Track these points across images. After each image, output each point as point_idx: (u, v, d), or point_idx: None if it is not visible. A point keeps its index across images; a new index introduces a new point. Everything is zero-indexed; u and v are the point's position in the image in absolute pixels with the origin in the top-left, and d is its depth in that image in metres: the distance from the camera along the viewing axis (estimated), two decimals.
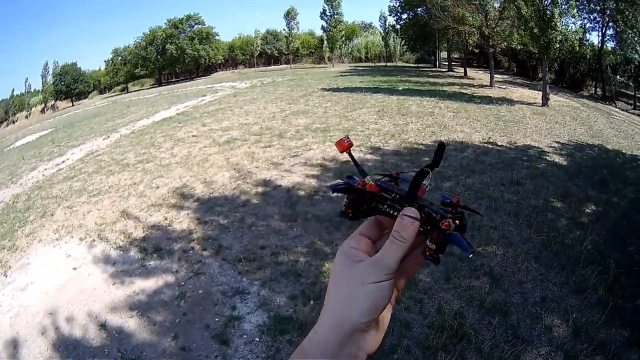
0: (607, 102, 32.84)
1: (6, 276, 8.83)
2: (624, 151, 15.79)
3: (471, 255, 0.73)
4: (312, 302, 6.80)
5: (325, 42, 71.13)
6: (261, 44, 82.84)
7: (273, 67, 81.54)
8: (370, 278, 0.74)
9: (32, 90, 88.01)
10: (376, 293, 0.73)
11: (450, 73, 44.56)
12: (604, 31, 36.01)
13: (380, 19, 65.82)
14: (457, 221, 0.74)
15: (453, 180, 11.29)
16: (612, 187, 11.49)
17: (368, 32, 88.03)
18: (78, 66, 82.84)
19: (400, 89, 29.66)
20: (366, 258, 0.79)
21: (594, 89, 38.61)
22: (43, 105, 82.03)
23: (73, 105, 74.35)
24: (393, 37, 65.74)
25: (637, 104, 33.24)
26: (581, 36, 33.52)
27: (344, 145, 0.87)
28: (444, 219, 0.73)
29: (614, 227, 9.18)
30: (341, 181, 0.89)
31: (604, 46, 36.62)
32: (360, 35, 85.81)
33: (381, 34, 69.86)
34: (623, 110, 30.72)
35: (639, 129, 21.69)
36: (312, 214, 9.82)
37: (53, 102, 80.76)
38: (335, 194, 0.87)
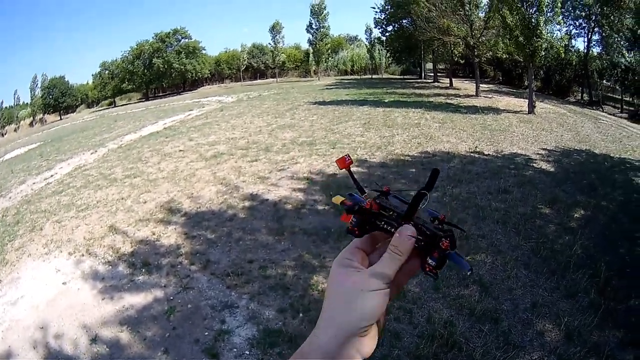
0: (594, 107, 33.20)
1: None
2: (611, 155, 15.92)
3: (469, 272, 0.82)
4: (301, 314, 6.78)
5: (311, 55, 71.44)
6: (247, 58, 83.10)
7: (259, 80, 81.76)
8: (371, 286, 0.79)
9: (20, 103, 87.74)
10: (375, 300, 0.79)
11: (436, 84, 44.87)
12: (589, 37, 36.61)
13: (366, 31, 66.54)
14: (448, 239, 0.80)
15: (440, 190, 11.31)
16: (601, 191, 11.58)
17: (354, 44, 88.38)
18: (66, 80, 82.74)
19: (386, 101, 29.85)
20: (363, 269, 0.84)
21: (580, 94, 39.06)
22: (32, 118, 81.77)
23: (61, 119, 74.20)
24: (378, 50, 66.23)
25: (624, 107, 33.55)
26: (567, 43, 33.90)
27: (345, 163, 0.93)
28: (442, 239, 0.80)
29: (604, 230, 9.25)
30: (348, 201, 0.91)
31: (590, 51, 37.01)
32: (346, 48, 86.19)
33: (367, 46, 70.33)
34: (610, 114, 31.08)
35: (627, 132, 21.87)
36: (299, 227, 9.82)
37: (41, 115, 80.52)
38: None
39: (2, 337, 7.16)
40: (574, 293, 6.94)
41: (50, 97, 78.11)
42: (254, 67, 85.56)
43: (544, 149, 15.89)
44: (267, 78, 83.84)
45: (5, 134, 77.56)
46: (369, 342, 0.81)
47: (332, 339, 0.78)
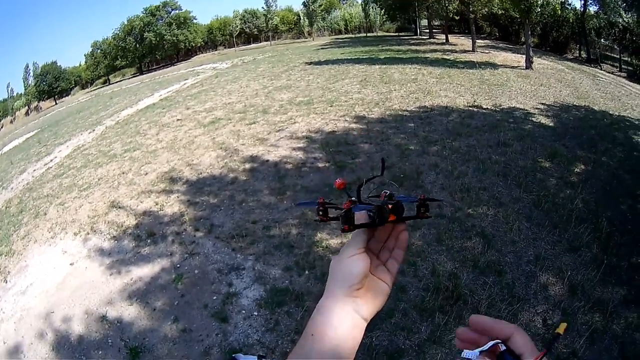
0: (592, 65, 32.85)
1: (6, 282, 8.76)
2: (611, 112, 15.80)
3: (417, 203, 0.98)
4: (306, 272, 6.85)
5: (302, 17, 71.43)
6: (240, 24, 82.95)
7: (253, 45, 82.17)
8: (346, 254, 0.93)
9: (15, 94, 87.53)
10: (352, 264, 0.91)
11: (432, 40, 44.31)
12: None
13: None
14: (390, 205, 0.96)
15: (439, 144, 11.33)
16: (601, 147, 11.52)
17: (346, 3, 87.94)
18: (58, 64, 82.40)
19: (382, 57, 29.64)
20: None
21: (578, 52, 38.59)
22: (27, 107, 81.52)
23: (56, 104, 73.92)
24: (372, 7, 65.83)
25: (623, 66, 33.24)
26: (563, 0, 33.49)
27: (339, 183, 1.03)
28: (387, 205, 0.96)
29: (604, 186, 9.24)
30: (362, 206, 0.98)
31: (587, 10, 36.53)
32: (339, 7, 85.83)
33: (361, 4, 69.94)
34: (608, 72, 30.73)
35: (626, 91, 21.78)
36: (300, 185, 9.87)
37: (36, 103, 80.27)
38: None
39: (14, 329, 7.14)
40: (577, 247, 6.97)
41: (44, 83, 77.99)
42: (247, 32, 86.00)
43: (542, 104, 15.81)
44: (260, 42, 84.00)
45: (1, 127, 77.45)
46: (366, 306, 0.92)
47: (331, 301, 0.90)
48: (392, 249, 1.00)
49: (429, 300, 5.89)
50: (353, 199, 0.98)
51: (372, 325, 5.53)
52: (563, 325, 0.79)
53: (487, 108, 14.93)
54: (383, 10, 58.17)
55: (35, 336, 6.79)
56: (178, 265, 7.64)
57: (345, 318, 0.88)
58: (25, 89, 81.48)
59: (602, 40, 38.44)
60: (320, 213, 0.97)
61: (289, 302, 6.22)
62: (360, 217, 0.95)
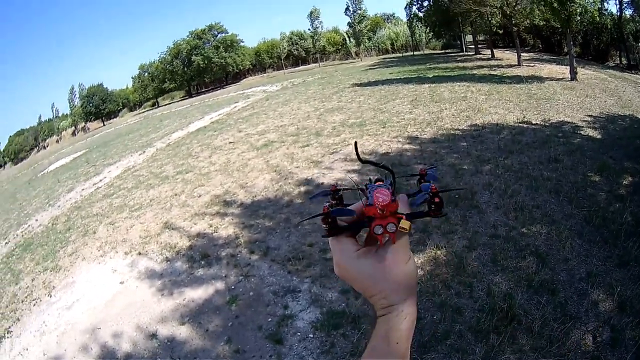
0: (633, 71, 32.16)
1: (51, 296, 8.99)
2: None
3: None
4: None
5: (348, 37, 71.94)
6: (287, 46, 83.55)
7: (301, 67, 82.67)
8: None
9: (59, 115, 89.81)
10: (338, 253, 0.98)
11: (478, 56, 44.44)
12: None
13: (405, 8, 66.40)
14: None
15: (492, 162, 11.27)
16: None
17: (391, 22, 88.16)
18: (105, 86, 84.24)
19: (430, 76, 29.66)
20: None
21: (619, 58, 37.94)
22: (73, 128, 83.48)
23: (104, 125, 75.91)
24: (417, 26, 65.93)
25: None
26: (599, 6, 33.05)
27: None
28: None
29: None
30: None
31: (623, 14, 36.00)
32: (384, 27, 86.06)
33: (407, 23, 70.12)
34: None
35: None
36: None
37: (83, 124, 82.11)
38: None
39: (57, 342, 7.30)
40: (626, 262, 6.84)
41: (91, 105, 79.96)
42: (295, 54, 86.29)
43: (589, 116, 15.60)
44: (308, 64, 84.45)
45: (47, 146, 79.47)
46: (376, 302, 0.92)
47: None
48: None
49: (484, 321, 5.85)
50: (329, 203, 1.01)
51: (427, 347, 5.59)
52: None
53: (537, 123, 14.79)
54: (428, 27, 58.19)
55: (78, 350, 6.95)
56: (232, 287, 7.72)
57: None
58: (71, 110, 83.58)
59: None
60: (326, 226, 0.95)
61: (345, 325, 6.22)
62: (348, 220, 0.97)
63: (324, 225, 0.95)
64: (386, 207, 0.88)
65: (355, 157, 1.03)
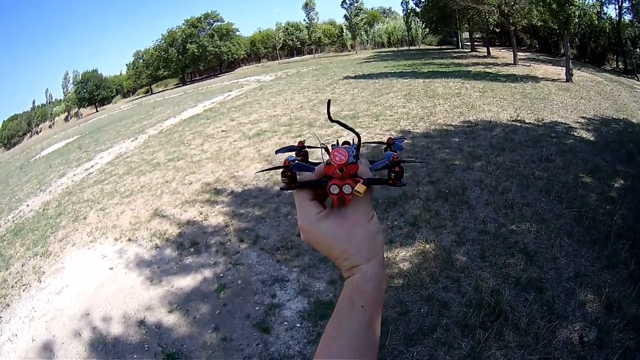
0: (629, 76, 32.31)
1: (40, 282, 8.94)
2: None
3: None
4: None
5: (345, 30, 72.00)
6: (283, 37, 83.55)
7: (296, 58, 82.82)
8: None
9: (53, 100, 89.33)
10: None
11: (474, 53, 44.37)
12: (620, 3, 35.60)
13: (402, 3, 66.43)
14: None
15: (484, 159, 11.28)
16: (639, 160, 11.37)
17: (388, 17, 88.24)
18: (99, 72, 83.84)
19: (425, 71, 29.70)
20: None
21: (615, 62, 38.07)
22: (66, 113, 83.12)
23: (97, 111, 75.50)
24: (414, 21, 65.98)
25: None
26: (599, 9, 33.20)
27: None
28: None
29: None
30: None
31: (622, 19, 36.12)
32: (381, 21, 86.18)
33: (403, 18, 70.15)
34: None
35: None
36: None
37: (76, 109, 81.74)
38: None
39: (46, 327, 7.28)
40: (615, 263, 6.87)
41: (85, 90, 79.54)
42: (290, 45, 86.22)
43: (583, 117, 15.65)
44: (303, 55, 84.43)
45: (40, 131, 79.10)
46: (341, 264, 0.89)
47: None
48: None
49: (470, 316, 5.87)
50: (294, 158, 1.00)
51: (414, 340, 5.61)
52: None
53: (530, 122, 14.82)
54: (425, 23, 58.19)
55: (67, 336, 6.94)
56: (221, 275, 7.73)
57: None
58: (65, 96, 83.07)
59: (637, 50, 37.83)
60: (285, 179, 0.93)
61: None
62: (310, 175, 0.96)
63: (283, 178, 0.93)
64: (345, 168, 0.88)
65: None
